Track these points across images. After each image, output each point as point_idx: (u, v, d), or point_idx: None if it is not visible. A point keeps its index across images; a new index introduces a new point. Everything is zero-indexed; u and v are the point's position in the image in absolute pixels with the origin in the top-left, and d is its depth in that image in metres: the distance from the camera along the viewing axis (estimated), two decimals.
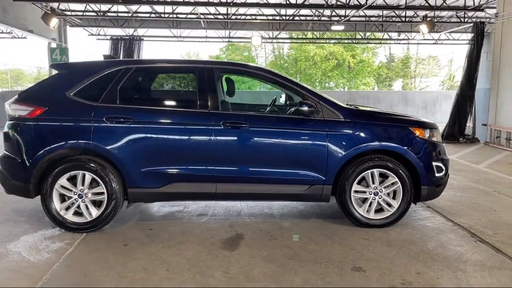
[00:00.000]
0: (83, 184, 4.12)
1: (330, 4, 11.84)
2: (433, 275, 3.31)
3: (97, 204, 4.19)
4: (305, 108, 4.17)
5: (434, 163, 4.39)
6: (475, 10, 11.28)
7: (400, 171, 4.29)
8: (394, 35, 17.45)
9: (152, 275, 3.29)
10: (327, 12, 12.96)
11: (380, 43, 19.57)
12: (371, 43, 17.83)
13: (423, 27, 11.45)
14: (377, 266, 3.45)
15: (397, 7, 11.53)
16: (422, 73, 37.79)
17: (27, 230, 4.27)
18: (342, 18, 13.50)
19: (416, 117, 4.78)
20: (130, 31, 16.98)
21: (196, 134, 4.19)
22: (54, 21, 12.53)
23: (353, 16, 13.24)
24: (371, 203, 4.34)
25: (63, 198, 4.17)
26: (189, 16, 14.74)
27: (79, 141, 4.11)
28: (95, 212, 4.16)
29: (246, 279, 3.23)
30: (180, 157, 4.20)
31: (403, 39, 18.22)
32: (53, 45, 15.78)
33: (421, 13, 12.47)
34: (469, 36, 17.54)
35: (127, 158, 4.13)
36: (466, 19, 13.09)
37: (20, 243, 3.93)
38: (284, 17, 14.44)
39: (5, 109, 4.36)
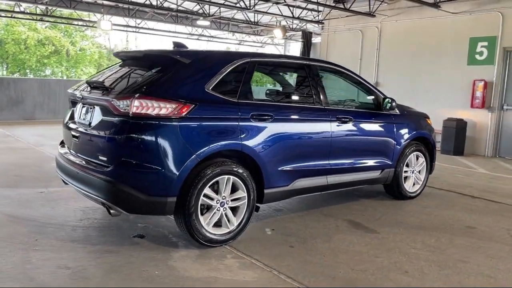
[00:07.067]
0: (224, 190, 3.67)
1: None
2: None
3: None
4: (394, 104, 4.95)
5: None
6: (317, 23, 13.79)
7: (426, 152, 5.59)
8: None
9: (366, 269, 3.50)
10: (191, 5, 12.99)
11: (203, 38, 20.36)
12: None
13: (277, 32, 13.17)
14: (476, 223, 4.63)
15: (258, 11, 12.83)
16: None
17: (151, 257, 3.43)
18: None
19: None
20: None
21: (321, 129, 4.37)
22: None
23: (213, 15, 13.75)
24: (408, 179, 5.47)
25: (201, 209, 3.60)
26: None
27: (231, 142, 3.64)
28: (235, 220, 3.77)
29: (440, 250, 3.85)
30: (307, 152, 4.28)
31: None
32: None
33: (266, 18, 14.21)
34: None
35: (268, 157, 3.92)
36: (294, 28, 15.69)
37: (185, 275, 3.24)
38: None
39: (115, 105, 3.33)
